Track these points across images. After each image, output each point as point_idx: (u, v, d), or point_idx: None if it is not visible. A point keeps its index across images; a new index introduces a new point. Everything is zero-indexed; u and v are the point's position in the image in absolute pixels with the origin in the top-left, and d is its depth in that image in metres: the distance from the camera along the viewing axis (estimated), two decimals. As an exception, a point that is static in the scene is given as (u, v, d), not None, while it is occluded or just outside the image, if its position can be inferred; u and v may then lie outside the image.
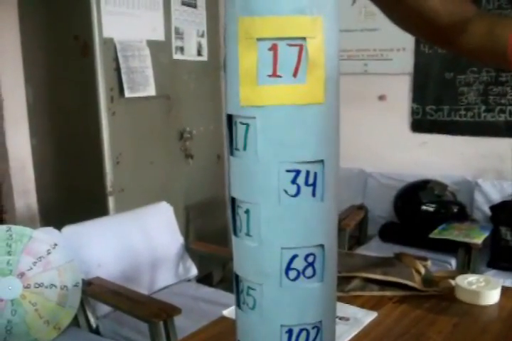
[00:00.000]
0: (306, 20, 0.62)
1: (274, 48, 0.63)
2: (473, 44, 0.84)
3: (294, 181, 0.66)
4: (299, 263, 0.69)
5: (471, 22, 0.83)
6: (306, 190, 0.67)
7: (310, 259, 0.69)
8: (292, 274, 0.69)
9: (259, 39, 0.63)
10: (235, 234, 0.72)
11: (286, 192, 0.66)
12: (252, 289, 0.72)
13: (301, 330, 0.71)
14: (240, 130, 0.68)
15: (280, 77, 0.63)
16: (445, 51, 3.17)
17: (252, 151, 0.66)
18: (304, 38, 0.63)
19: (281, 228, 0.67)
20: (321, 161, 0.67)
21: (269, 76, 0.64)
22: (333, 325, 0.76)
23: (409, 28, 0.89)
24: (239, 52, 0.64)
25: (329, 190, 0.68)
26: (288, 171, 0.66)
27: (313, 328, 0.71)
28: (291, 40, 0.63)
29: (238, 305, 0.75)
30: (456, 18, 0.82)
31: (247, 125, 0.66)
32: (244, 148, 0.68)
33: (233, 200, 0.72)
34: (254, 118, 0.65)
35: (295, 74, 0.63)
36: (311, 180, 0.67)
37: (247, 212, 0.70)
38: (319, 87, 0.65)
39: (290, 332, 0.71)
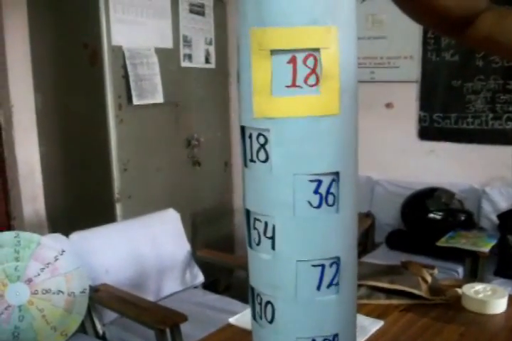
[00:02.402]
0: (320, 30, 0.61)
1: (292, 60, 0.62)
2: (482, 35, 0.85)
3: (310, 193, 0.65)
4: (314, 276, 0.68)
5: (481, 14, 0.84)
6: (321, 202, 0.66)
7: (326, 271, 0.68)
8: (307, 287, 0.68)
9: (273, 51, 0.62)
10: (250, 246, 0.72)
11: (300, 204, 0.66)
12: (267, 302, 0.71)
13: None
14: (253, 142, 0.67)
15: (300, 87, 0.62)
16: (454, 57, 3.17)
17: (267, 163, 0.66)
18: (317, 49, 0.62)
19: (295, 241, 0.67)
20: (336, 173, 0.66)
21: (287, 87, 0.63)
22: (352, 337, 0.75)
23: (420, 20, 0.90)
24: (252, 64, 0.63)
25: (345, 202, 0.67)
26: (305, 182, 0.65)
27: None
28: (305, 51, 0.61)
29: (254, 317, 0.75)
30: (467, 10, 0.83)
31: (262, 137, 0.66)
32: (259, 160, 0.67)
33: (247, 212, 0.71)
34: (268, 130, 0.64)
35: (310, 86, 0.62)
36: (325, 192, 0.66)
37: (261, 224, 0.69)
38: (334, 98, 0.63)
39: None
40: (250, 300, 0.75)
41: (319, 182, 0.65)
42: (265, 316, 0.72)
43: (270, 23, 0.61)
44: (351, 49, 0.65)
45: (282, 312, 0.69)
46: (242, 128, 0.69)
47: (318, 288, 0.68)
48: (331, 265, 0.68)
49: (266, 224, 0.68)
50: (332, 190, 0.66)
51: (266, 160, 0.66)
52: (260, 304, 0.72)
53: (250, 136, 0.67)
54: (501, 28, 0.83)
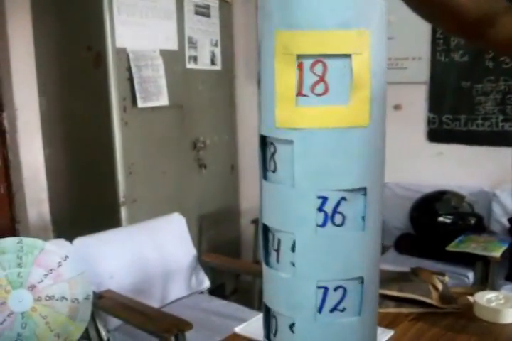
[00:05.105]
0: (353, 34, 0.56)
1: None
2: (501, 37, 0.82)
3: (333, 210, 0.61)
4: (334, 297, 0.63)
5: (500, 16, 0.81)
6: (347, 220, 0.62)
7: (346, 292, 0.64)
8: (327, 307, 0.64)
9: (299, 55, 0.57)
10: (267, 263, 0.67)
11: (323, 221, 0.61)
12: (284, 323, 0.66)
13: None
14: (274, 153, 0.62)
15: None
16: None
17: (288, 177, 0.61)
18: (349, 55, 0.57)
19: (317, 259, 0.62)
20: (364, 189, 0.61)
21: (308, 95, 0.58)
22: None
23: (436, 22, 0.87)
24: (276, 69, 0.58)
25: (372, 220, 0.63)
26: (328, 198, 0.60)
27: None
28: (335, 57, 0.56)
29: (268, 337, 0.71)
30: (485, 12, 0.81)
31: (284, 148, 0.61)
32: (279, 173, 0.62)
33: (265, 228, 0.66)
34: (291, 141, 0.59)
35: (336, 94, 0.57)
36: (350, 209, 0.61)
37: (279, 241, 0.64)
38: (364, 108, 0.59)
39: None
40: (264, 319, 0.70)
41: (343, 198, 0.61)
42: (281, 337, 0.68)
43: (297, 25, 0.56)
44: (382, 55, 0.60)
45: (300, 334, 0.65)
46: (262, 138, 0.64)
47: (339, 309, 0.64)
48: (352, 285, 0.64)
49: (284, 240, 0.64)
50: (359, 207, 0.62)
51: (288, 174, 0.61)
52: (276, 324, 0.68)
53: (271, 147, 0.63)
54: None
